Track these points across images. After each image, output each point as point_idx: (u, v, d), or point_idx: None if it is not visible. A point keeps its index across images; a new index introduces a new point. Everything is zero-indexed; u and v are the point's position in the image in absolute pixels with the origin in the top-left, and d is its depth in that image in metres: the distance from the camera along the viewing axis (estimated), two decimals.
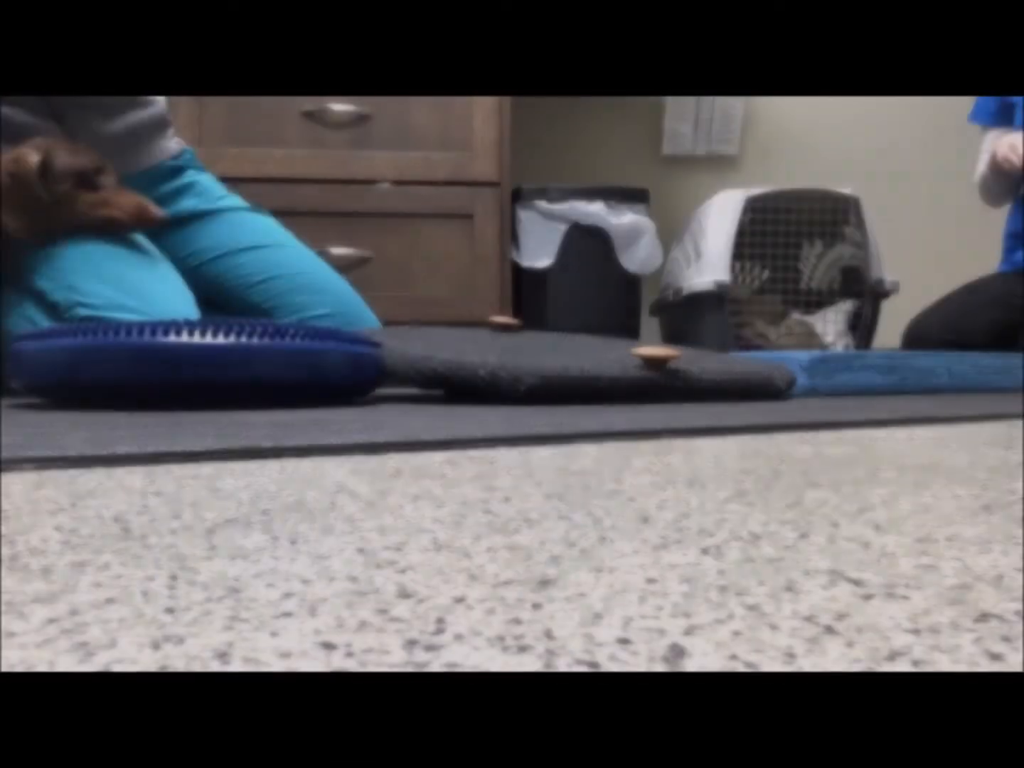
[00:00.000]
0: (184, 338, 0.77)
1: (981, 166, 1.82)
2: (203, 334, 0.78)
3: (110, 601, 0.20)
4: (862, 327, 1.82)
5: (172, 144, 1.28)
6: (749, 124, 2.39)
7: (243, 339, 0.79)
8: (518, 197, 1.82)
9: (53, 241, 1.03)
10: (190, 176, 1.29)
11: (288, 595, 0.20)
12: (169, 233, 1.24)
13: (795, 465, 0.44)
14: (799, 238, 1.84)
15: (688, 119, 2.32)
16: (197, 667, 0.16)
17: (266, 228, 1.32)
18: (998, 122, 1.81)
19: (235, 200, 1.32)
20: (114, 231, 1.09)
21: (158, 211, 1.10)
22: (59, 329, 0.80)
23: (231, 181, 1.69)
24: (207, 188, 1.30)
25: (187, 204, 1.27)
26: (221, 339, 0.78)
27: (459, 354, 0.93)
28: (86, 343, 0.77)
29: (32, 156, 1.03)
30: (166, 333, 0.77)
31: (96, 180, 1.07)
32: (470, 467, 0.43)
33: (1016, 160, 1.64)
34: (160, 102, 1.26)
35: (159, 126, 1.25)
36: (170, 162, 1.27)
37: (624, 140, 2.37)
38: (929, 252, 2.44)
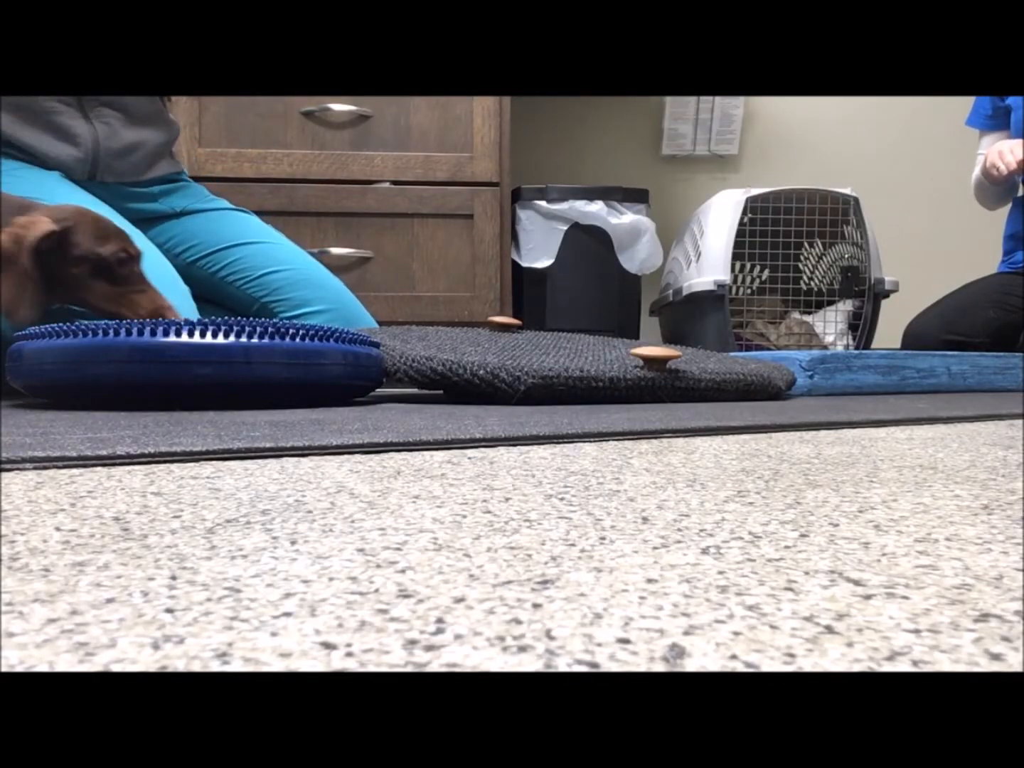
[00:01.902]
0: (184, 338, 0.77)
1: (977, 170, 1.82)
2: (203, 334, 0.78)
3: (110, 601, 0.20)
4: (862, 327, 1.82)
5: (173, 163, 1.34)
6: (749, 124, 2.39)
7: (243, 339, 0.79)
8: (518, 197, 1.82)
9: (38, 319, 0.89)
10: (184, 182, 1.35)
11: (288, 595, 0.20)
12: (166, 227, 1.26)
13: (795, 465, 0.44)
14: (799, 238, 1.84)
15: (688, 119, 2.32)
16: (197, 667, 0.16)
17: (260, 227, 1.36)
18: (994, 126, 1.82)
19: (226, 204, 1.38)
20: None
21: (177, 317, 0.98)
22: (59, 329, 0.80)
23: (231, 181, 1.69)
24: (199, 192, 1.36)
25: (182, 202, 1.31)
26: (221, 339, 0.78)
27: (459, 354, 0.93)
28: (86, 343, 0.77)
29: (42, 226, 0.89)
30: (166, 333, 0.77)
31: (117, 271, 0.95)
32: (470, 467, 0.42)
33: (1003, 168, 1.66)
34: (176, 127, 1.33)
35: (168, 146, 1.32)
36: (168, 175, 1.32)
37: (624, 140, 2.37)
38: (929, 252, 2.44)
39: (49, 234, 0.89)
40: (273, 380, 0.80)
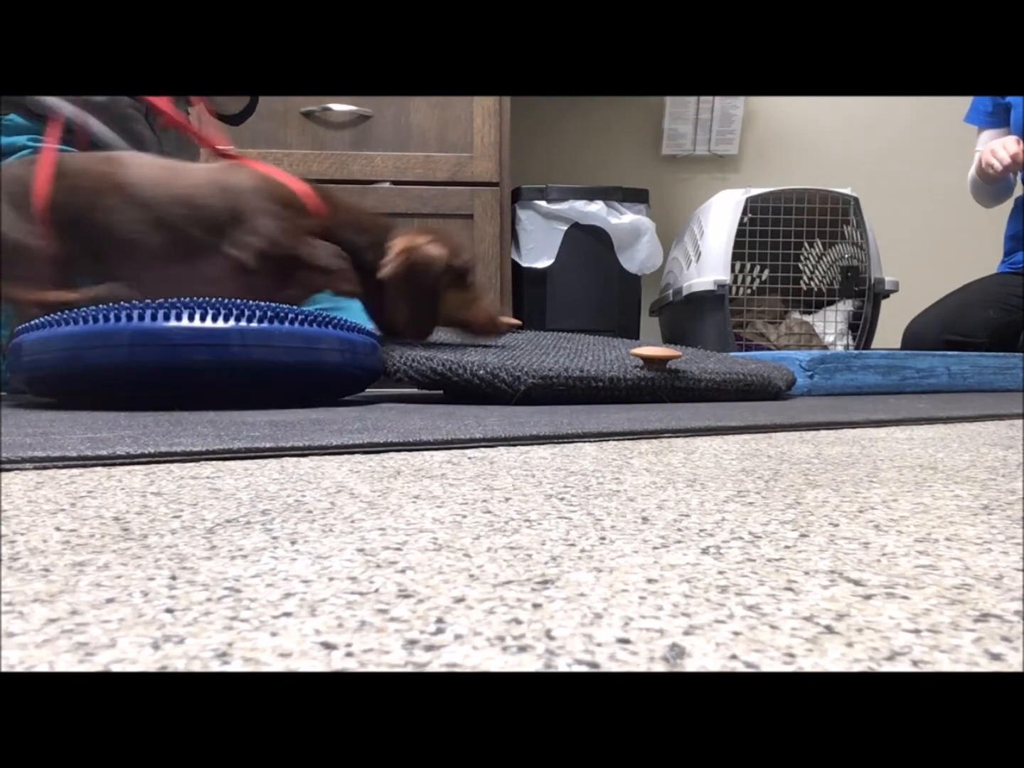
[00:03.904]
0: (183, 322, 0.77)
1: (973, 167, 1.82)
2: (202, 318, 0.78)
3: (110, 601, 0.20)
4: (862, 327, 1.82)
5: None
6: (749, 124, 2.39)
7: (242, 322, 0.79)
8: (518, 197, 1.82)
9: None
10: None
11: (288, 595, 0.20)
12: None
13: (795, 465, 0.44)
14: (799, 238, 1.84)
15: (688, 119, 2.32)
16: (197, 667, 0.16)
17: None
18: (993, 123, 1.82)
19: None
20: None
21: (506, 324, 1.08)
22: (59, 317, 0.79)
23: None
24: None
25: None
26: (220, 323, 0.78)
27: (459, 354, 0.93)
28: (87, 330, 0.77)
29: (433, 249, 0.99)
30: (166, 317, 0.77)
31: (466, 280, 1.03)
32: (470, 467, 0.42)
33: (998, 165, 1.65)
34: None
35: None
36: None
37: (624, 140, 2.37)
38: (929, 252, 2.44)
39: (446, 258, 1.01)
40: (271, 364, 0.80)
